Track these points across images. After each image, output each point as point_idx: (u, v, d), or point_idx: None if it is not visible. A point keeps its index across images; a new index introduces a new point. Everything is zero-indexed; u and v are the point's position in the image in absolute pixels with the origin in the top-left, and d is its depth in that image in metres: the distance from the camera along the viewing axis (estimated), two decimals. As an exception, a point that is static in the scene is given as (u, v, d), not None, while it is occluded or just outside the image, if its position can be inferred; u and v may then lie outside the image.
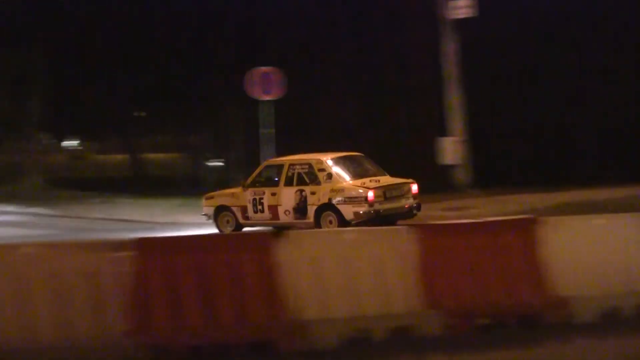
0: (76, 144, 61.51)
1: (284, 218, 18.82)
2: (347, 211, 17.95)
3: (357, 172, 18.89)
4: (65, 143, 58.00)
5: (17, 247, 8.39)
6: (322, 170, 18.56)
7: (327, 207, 18.28)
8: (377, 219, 17.66)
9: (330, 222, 18.25)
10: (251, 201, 19.08)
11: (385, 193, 18.18)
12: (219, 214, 19.62)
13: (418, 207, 18.67)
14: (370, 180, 18.37)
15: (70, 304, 8.16)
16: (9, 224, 24.30)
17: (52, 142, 52.47)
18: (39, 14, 35.47)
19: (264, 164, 20.56)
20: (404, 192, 18.66)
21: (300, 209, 18.62)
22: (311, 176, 18.63)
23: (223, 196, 19.86)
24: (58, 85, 38.13)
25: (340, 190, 18.15)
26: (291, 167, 19.07)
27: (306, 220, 18.51)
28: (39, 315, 8.07)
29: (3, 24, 35.66)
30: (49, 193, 33.72)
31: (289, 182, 18.84)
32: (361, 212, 17.76)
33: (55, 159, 48.76)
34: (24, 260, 8.20)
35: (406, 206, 18.49)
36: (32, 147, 39.81)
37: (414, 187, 18.67)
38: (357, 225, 17.51)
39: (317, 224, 18.31)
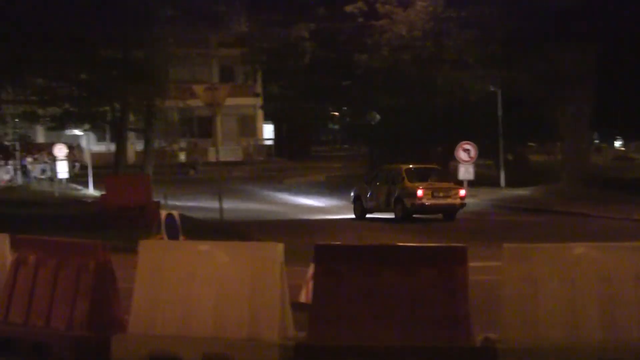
0: (619, 145, 61.18)
1: (382, 207, 28.37)
2: (407, 202, 27.37)
3: (421, 178, 28.40)
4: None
5: (569, 247, 8.76)
6: (401, 174, 28.19)
7: (398, 199, 27.76)
8: (424, 209, 27.44)
9: (400, 209, 27.63)
10: (368, 194, 28.97)
11: (433, 193, 27.48)
12: (355, 202, 29.77)
13: (461, 206, 27.78)
14: (427, 184, 27.73)
15: (621, 306, 8.39)
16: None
17: (596, 142, 52.81)
18: (594, 12, 35.62)
19: (378, 168, 31.79)
20: (451, 194, 27.73)
21: (388, 200, 28.12)
22: (397, 178, 28.22)
23: (358, 189, 29.92)
24: (607, 84, 38.16)
25: (405, 188, 27.57)
26: (388, 171, 29.43)
27: (390, 208, 28.05)
28: (586, 315, 8.41)
29: (537, 24, 36.34)
30: (587, 193, 33.94)
31: (385, 182, 28.79)
32: (414, 203, 27.16)
33: (598, 160, 48.94)
34: (574, 261, 8.59)
35: (450, 204, 27.55)
36: (581, 147, 40.26)
37: (462, 192, 28.00)
38: (412, 211, 27.39)
39: (394, 209, 27.76)
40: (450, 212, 27.67)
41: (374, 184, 29.25)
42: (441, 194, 27.49)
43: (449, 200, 27.48)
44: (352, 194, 30.30)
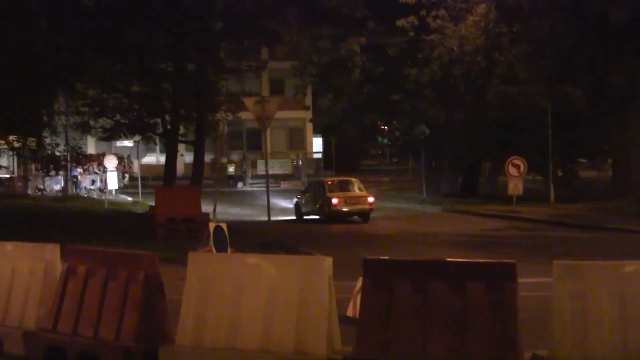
0: None
1: (313, 212, 35.49)
2: (326, 208, 34.44)
3: (340, 189, 35.26)
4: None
5: (620, 265, 8.63)
6: (324, 186, 35.41)
7: (322, 206, 34.88)
8: (340, 214, 34.15)
9: (324, 213, 34.65)
10: (304, 201, 36.44)
11: (345, 201, 34.24)
12: (295, 207, 37.28)
13: (370, 210, 34.43)
14: (342, 194, 34.55)
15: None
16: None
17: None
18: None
19: (310, 182, 41.53)
20: (361, 201, 34.36)
21: (315, 206, 35.46)
22: (322, 190, 35.23)
23: (298, 198, 37.38)
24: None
25: (326, 198, 34.48)
26: (317, 184, 37.17)
27: (318, 212, 35.20)
28: (637, 333, 8.30)
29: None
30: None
31: (314, 192, 35.88)
32: (331, 209, 34.19)
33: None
34: (625, 279, 8.46)
35: (360, 209, 34.27)
36: (633, 164, 39.72)
37: (369, 199, 34.47)
38: (333, 215, 34.10)
39: (321, 213, 34.87)
40: (362, 215, 34.35)
41: (309, 194, 36.62)
42: (352, 202, 34.42)
43: (359, 207, 34.29)
44: (294, 200, 38.05)
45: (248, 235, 25.04)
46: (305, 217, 36.13)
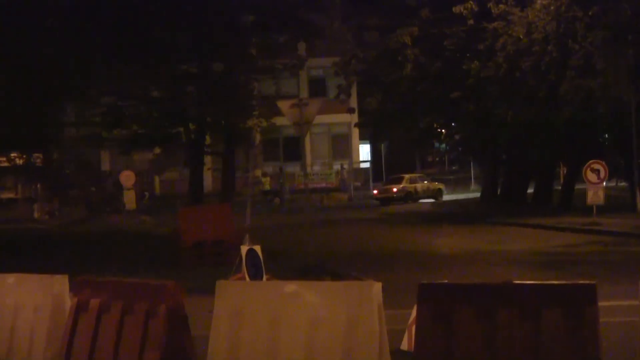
0: None
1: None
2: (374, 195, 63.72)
3: (391, 182, 63.24)
4: None
5: None
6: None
7: None
8: (375, 198, 61.83)
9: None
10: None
11: (380, 191, 62.07)
12: None
13: (394, 199, 60.42)
14: (388, 185, 62.87)
15: None
16: None
17: None
18: None
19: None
20: (388, 192, 61.13)
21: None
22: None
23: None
24: None
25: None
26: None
27: None
28: None
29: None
30: None
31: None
32: (373, 195, 63.05)
33: None
34: None
35: (386, 196, 60.58)
36: None
37: (394, 189, 61.24)
38: (376, 199, 62.07)
39: None
40: (387, 200, 59.17)
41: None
42: (383, 191, 60.74)
43: (386, 194, 60.19)
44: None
45: (287, 258, 25.09)
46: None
